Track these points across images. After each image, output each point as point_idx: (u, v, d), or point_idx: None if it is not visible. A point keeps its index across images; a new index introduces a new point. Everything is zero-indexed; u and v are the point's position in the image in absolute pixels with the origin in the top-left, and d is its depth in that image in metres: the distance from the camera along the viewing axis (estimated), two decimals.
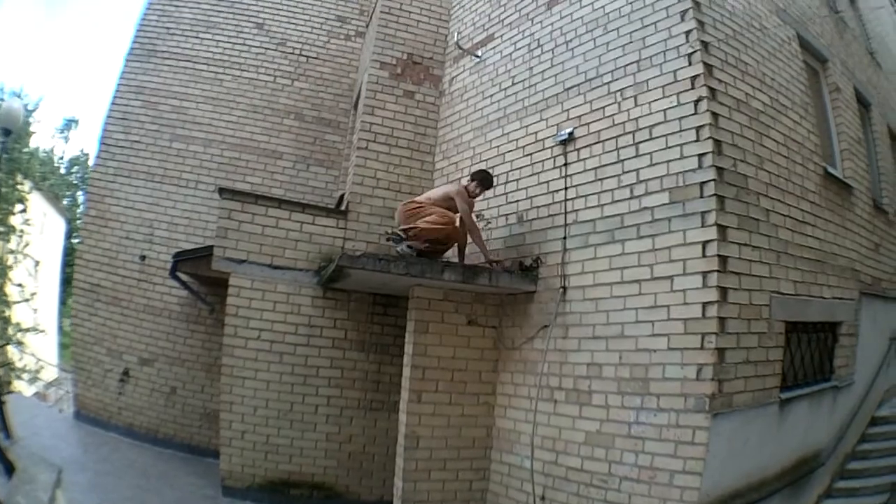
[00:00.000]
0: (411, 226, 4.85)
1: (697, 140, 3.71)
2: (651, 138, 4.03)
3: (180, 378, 7.08)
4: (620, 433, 3.74)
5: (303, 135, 7.78)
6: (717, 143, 3.70)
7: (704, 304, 3.44)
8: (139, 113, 7.73)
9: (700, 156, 3.68)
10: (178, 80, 7.81)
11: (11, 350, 13.86)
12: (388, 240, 5.25)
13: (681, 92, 3.88)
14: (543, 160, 5.05)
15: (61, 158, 28.63)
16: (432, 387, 4.87)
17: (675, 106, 3.89)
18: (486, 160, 5.77)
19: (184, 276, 6.81)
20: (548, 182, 4.95)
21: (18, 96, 19.99)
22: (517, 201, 5.28)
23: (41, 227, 24.27)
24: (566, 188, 4.72)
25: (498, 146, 5.66)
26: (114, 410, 7.41)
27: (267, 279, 5.70)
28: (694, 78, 3.85)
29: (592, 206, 4.45)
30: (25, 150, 20.82)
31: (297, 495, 5.55)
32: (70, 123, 28.37)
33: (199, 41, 7.98)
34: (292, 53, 8.00)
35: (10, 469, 4.48)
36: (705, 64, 3.83)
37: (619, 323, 3.98)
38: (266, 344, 5.57)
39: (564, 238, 4.63)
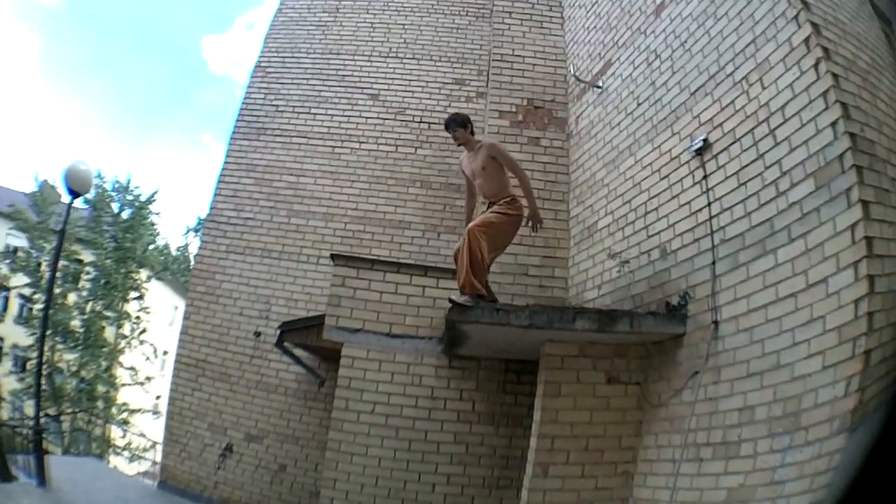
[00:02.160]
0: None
1: (826, 107, 3.58)
2: (785, 120, 3.91)
3: (292, 455, 7.62)
4: (763, 482, 3.41)
5: (430, 202, 8.47)
6: (844, 105, 3.53)
7: (856, 302, 3.14)
8: (252, 190, 8.90)
9: (832, 124, 3.51)
10: (292, 156, 8.96)
11: (111, 429, 16.00)
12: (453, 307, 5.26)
13: (800, 59, 3.83)
14: (682, 178, 5.03)
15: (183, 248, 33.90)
16: (562, 458, 4.76)
17: (799, 76, 3.82)
18: (620, 195, 5.89)
19: (296, 349, 7.48)
20: (689, 202, 4.89)
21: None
22: (659, 233, 5.25)
23: (170, 315, 28.56)
24: (709, 204, 4.63)
25: (632, 176, 5.76)
26: (208, 484, 8.09)
27: (384, 349, 6.06)
28: (807, 39, 3.80)
29: (739, 218, 4.31)
30: (140, 241, 25.24)
31: None
32: (203, 222, 33.88)
33: (312, 116, 9.18)
34: (412, 121, 8.90)
35: None
36: (812, 23, 3.80)
37: (774, 352, 3.70)
38: (381, 418, 5.84)
39: (713, 263, 4.48)
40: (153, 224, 26.65)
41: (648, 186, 5.48)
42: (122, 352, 24.63)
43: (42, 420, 8.22)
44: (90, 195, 24.09)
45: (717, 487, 3.81)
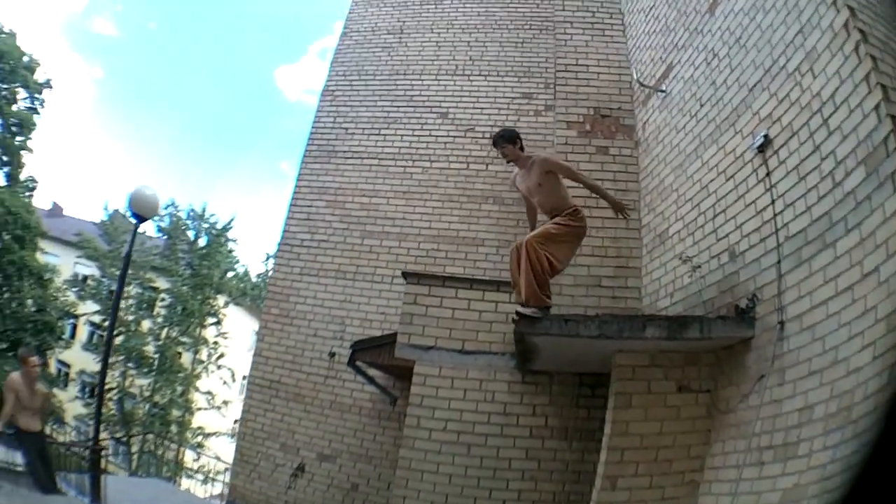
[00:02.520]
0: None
1: (869, 91, 3.56)
2: (836, 109, 3.89)
3: (364, 475, 7.84)
4: (814, 480, 3.38)
5: (504, 218, 8.60)
6: (884, 88, 3.50)
7: None
8: (325, 213, 9.31)
9: (875, 108, 3.49)
10: (363, 177, 9.34)
11: (184, 452, 16.72)
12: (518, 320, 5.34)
13: (843, 44, 3.84)
14: (746, 177, 5.03)
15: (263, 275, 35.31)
16: (631, 470, 4.78)
17: (843, 62, 3.84)
18: (689, 199, 5.91)
19: (371, 369, 7.73)
20: (754, 202, 4.88)
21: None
22: (727, 235, 5.24)
23: (249, 340, 29.74)
24: (773, 201, 4.62)
25: (699, 179, 5.78)
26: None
27: (457, 365, 6.17)
28: (846, 23, 3.82)
29: (801, 213, 4.28)
30: (217, 268, 26.37)
31: None
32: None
33: (382, 137, 9.57)
34: (482, 138, 9.03)
35: None
36: (848, 7, 3.83)
37: (833, 347, 3.66)
38: (452, 435, 5.95)
39: (778, 262, 4.46)
40: (230, 251, 27.92)
41: (716, 188, 5.50)
42: (198, 377, 25.95)
43: (102, 441, 8.57)
44: (164, 223, 25.84)
45: (773, 489, 3.79)
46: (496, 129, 9.01)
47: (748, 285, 4.82)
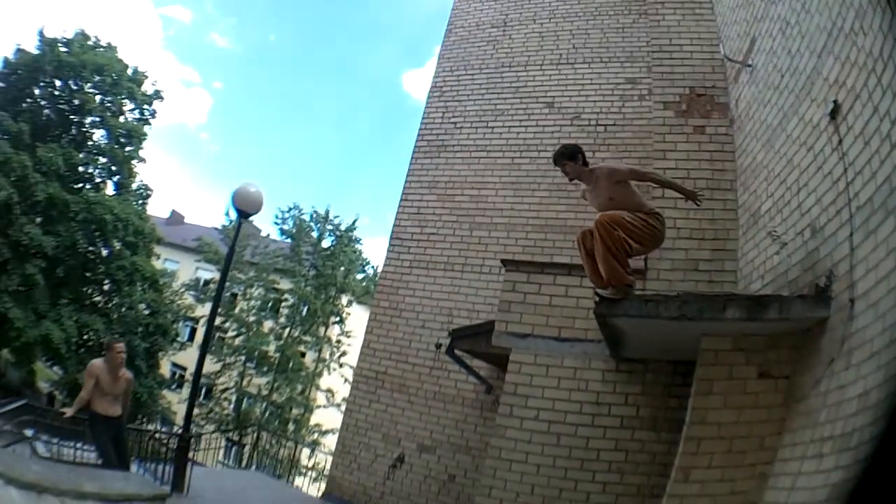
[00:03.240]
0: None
1: None
2: (885, 67, 3.60)
3: (462, 466, 7.96)
4: (858, 473, 3.10)
5: None
6: None
7: None
8: (434, 206, 9.59)
9: None
10: (472, 170, 9.55)
11: (300, 449, 16.84)
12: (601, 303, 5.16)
13: None
14: (822, 147, 4.68)
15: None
16: (705, 462, 4.59)
17: (892, 16, 3.51)
18: (777, 175, 5.56)
19: (476, 360, 7.83)
20: (830, 172, 4.53)
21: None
22: (809, 209, 4.88)
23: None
24: (845, 170, 4.27)
25: (785, 153, 5.42)
26: (374, 494, 8.63)
27: (553, 353, 6.20)
28: None
29: (868, 180, 3.95)
30: (341, 268, 26.70)
31: None
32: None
33: (490, 130, 9.73)
34: (588, 125, 9.03)
35: None
36: None
37: (892, 325, 3.40)
38: (544, 424, 6.00)
39: (850, 235, 4.11)
40: (355, 252, 28.26)
41: (798, 161, 5.15)
42: (320, 374, 26.67)
43: (191, 431, 8.68)
44: (287, 227, 26.87)
45: (825, 485, 3.53)
46: (602, 116, 9.13)
47: (826, 262, 4.49)
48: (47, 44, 27.28)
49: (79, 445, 10.11)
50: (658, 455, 5.74)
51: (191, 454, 8.86)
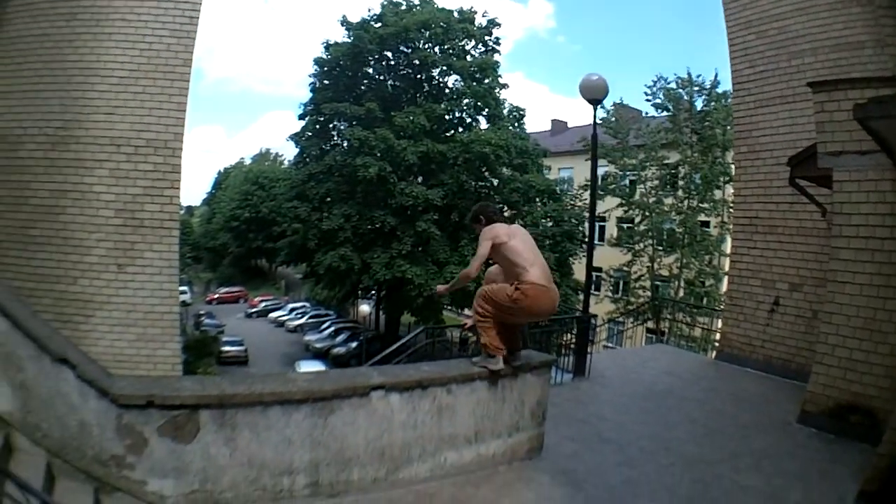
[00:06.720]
0: None
1: None
2: None
3: (823, 299, 7.14)
4: None
5: None
6: None
7: None
8: (757, 44, 8.80)
9: None
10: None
11: (713, 322, 15.22)
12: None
13: None
14: None
15: None
16: None
17: None
18: None
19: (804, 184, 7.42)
20: None
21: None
22: None
23: None
24: None
25: None
26: (757, 345, 8.61)
27: (860, 167, 5.91)
28: None
29: None
30: (719, 125, 23.16)
31: (855, 422, 5.47)
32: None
33: None
34: None
35: None
36: None
37: None
38: (861, 241, 5.80)
39: None
40: (725, 106, 25.55)
41: None
42: (723, 241, 24.56)
43: (588, 315, 8.73)
44: (660, 100, 25.10)
45: None
46: None
47: None
48: (358, 27, 29.19)
49: None
50: None
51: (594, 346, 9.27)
